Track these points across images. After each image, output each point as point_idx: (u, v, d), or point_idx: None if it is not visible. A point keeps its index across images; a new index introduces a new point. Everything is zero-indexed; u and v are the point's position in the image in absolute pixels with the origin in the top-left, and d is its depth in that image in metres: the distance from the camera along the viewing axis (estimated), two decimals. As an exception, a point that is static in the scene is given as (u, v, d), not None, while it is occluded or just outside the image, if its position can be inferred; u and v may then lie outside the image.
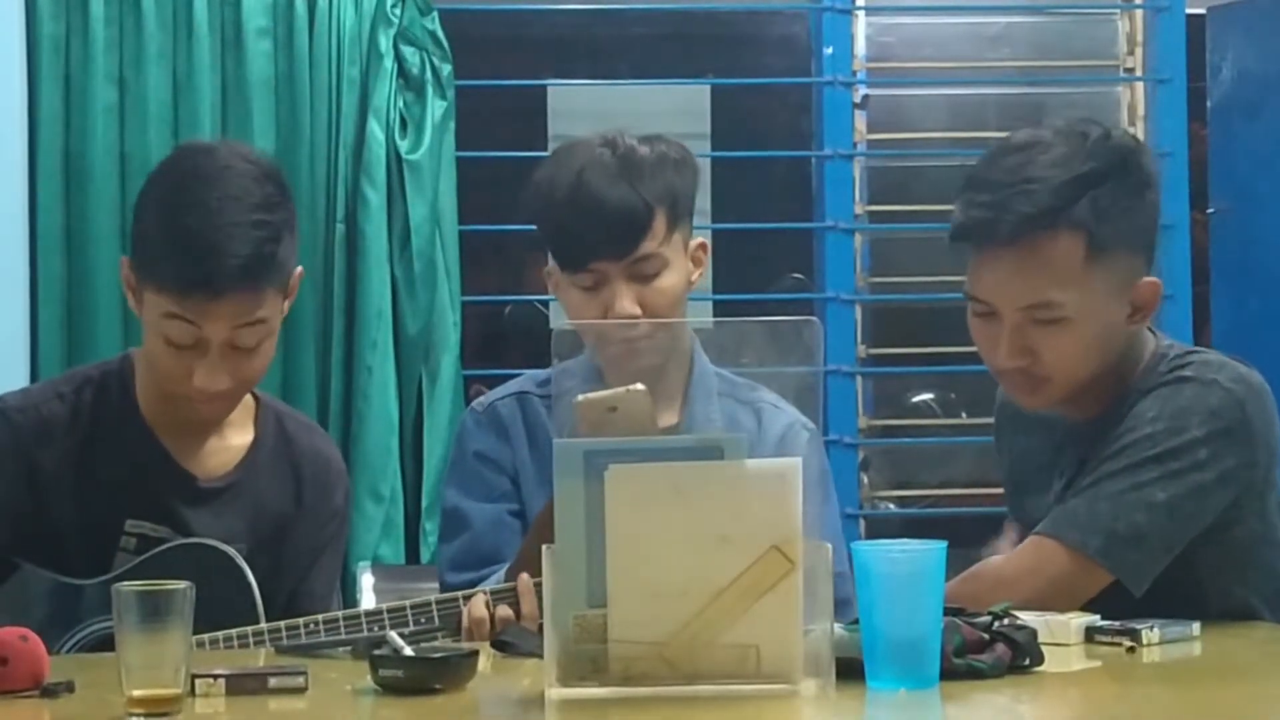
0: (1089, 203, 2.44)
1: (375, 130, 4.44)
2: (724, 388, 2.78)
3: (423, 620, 2.38)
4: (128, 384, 2.68)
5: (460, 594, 2.45)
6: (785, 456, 2.55)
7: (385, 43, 4.47)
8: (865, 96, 4.95)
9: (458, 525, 2.78)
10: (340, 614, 2.43)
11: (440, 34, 4.55)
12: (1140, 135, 4.79)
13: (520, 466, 2.73)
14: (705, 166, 4.99)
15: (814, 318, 2.15)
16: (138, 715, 1.91)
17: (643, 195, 2.66)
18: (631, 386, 2.44)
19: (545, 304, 4.87)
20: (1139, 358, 2.54)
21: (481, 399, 2.88)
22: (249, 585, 2.55)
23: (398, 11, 4.49)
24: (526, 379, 2.87)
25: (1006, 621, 2.11)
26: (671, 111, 4.97)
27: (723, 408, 2.75)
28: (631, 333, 2.66)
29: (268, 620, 2.49)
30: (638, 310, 2.66)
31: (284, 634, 2.42)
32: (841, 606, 2.09)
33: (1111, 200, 2.45)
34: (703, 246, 2.79)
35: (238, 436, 2.71)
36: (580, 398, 2.46)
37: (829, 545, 1.99)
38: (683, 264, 2.73)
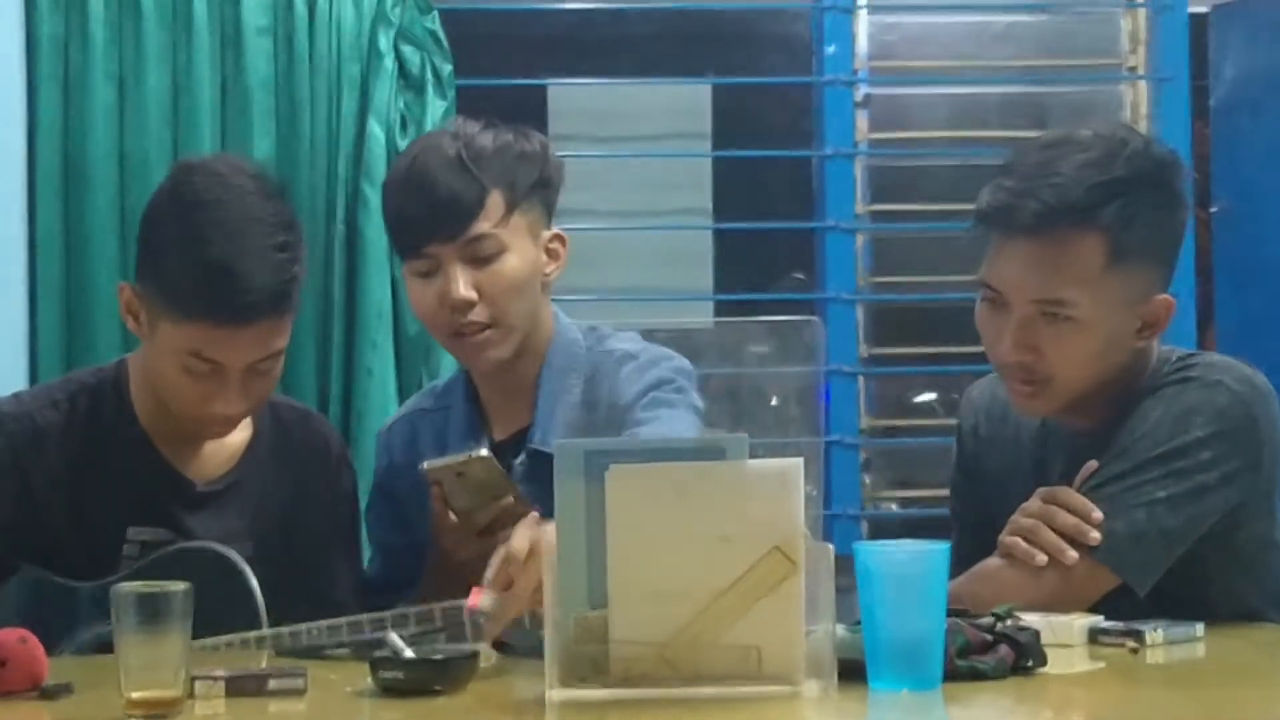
0: (1117, 208, 2.42)
1: (375, 130, 4.43)
2: (587, 359, 2.68)
3: (424, 624, 2.37)
4: (123, 391, 2.65)
5: (462, 601, 2.44)
6: (619, 401, 2.58)
7: (385, 42, 4.46)
8: (867, 95, 4.94)
9: (373, 554, 2.84)
10: (344, 620, 2.42)
11: (440, 33, 4.54)
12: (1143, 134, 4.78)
13: (410, 490, 2.66)
14: (706, 166, 5.00)
15: (815, 317, 2.14)
16: (137, 717, 1.91)
17: (475, 175, 2.60)
18: (474, 452, 2.44)
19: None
20: (1143, 368, 2.53)
21: (385, 423, 2.89)
22: (251, 588, 2.53)
23: (398, 11, 4.48)
24: (426, 393, 2.87)
25: (1009, 622, 2.11)
26: (671, 111, 4.98)
27: (584, 387, 2.66)
28: (467, 329, 2.60)
29: (287, 618, 2.47)
30: (473, 295, 2.59)
31: (285, 637, 2.41)
32: None
33: (1140, 210, 2.44)
34: (559, 239, 2.70)
35: (235, 434, 2.69)
36: (426, 464, 2.47)
37: (830, 546, 1.98)
38: (526, 250, 2.64)
